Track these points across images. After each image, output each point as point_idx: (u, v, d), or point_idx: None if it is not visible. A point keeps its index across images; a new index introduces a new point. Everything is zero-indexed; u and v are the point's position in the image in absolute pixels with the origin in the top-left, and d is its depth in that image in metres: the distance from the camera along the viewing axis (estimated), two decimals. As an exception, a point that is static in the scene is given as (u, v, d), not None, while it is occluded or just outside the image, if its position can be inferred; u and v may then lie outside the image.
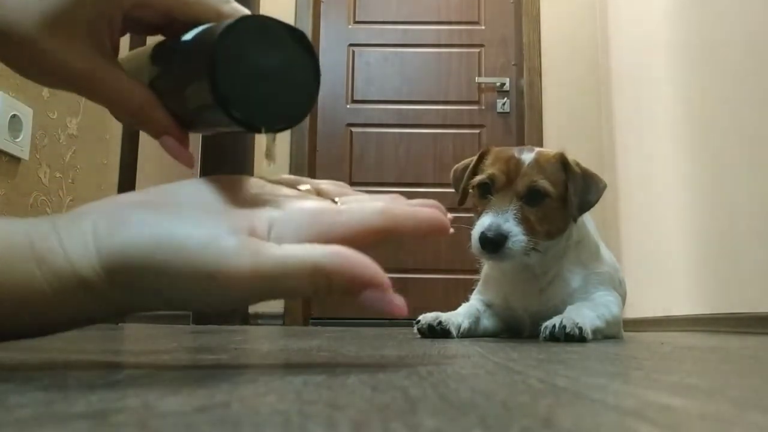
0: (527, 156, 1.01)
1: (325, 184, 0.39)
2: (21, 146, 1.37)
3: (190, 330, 1.28)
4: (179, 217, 0.30)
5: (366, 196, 0.38)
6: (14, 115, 1.34)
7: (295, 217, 0.33)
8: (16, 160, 1.37)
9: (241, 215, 0.32)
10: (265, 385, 0.26)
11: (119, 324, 1.69)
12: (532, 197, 0.98)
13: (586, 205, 1.03)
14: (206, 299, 0.30)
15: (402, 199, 0.38)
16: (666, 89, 1.99)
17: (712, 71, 1.68)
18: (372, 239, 0.33)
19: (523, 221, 0.96)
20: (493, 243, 0.94)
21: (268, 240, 0.31)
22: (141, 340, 0.76)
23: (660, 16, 2.05)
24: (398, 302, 0.31)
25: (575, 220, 1.02)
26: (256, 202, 0.33)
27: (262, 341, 0.76)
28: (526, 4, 2.69)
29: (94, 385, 0.26)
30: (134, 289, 0.30)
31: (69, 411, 0.18)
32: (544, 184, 0.98)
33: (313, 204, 0.34)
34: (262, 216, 0.32)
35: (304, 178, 0.40)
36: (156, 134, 0.38)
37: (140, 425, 0.16)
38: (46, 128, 1.48)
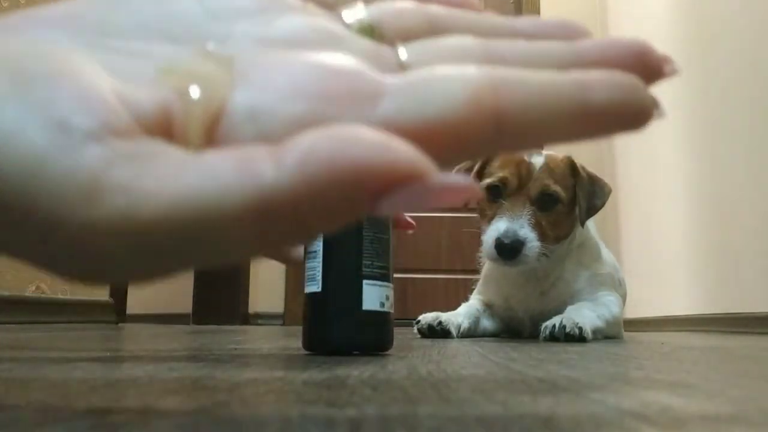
0: (538, 160, 1.00)
1: (394, 13, 0.20)
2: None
3: (190, 330, 1.28)
4: (29, 96, 0.14)
5: (454, 41, 0.18)
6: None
7: (271, 105, 0.16)
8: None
9: (153, 96, 0.16)
10: (265, 385, 0.26)
11: (119, 324, 1.69)
12: (544, 202, 0.98)
13: (593, 210, 1.03)
14: (53, 253, 0.15)
15: (568, 26, 0.20)
16: (665, 89, 1.99)
17: (712, 72, 1.68)
18: (459, 149, 0.16)
19: (536, 227, 0.96)
20: (510, 250, 0.93)
21: (208, 142, 0.16)
22: (141, 340, 0.76)
23: (660, 17, 2.05)
24: (453, 181, 0.14)
25: (583, 225, 1.02)
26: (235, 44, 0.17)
27: (262, 341, 0.76)
28: (526, 4, 2.70)
29: (94, 385, 0.26)
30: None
31: (69, 411, 0.18)
32: (556, 189, 0.98)
33: (319, 67, 0.16)
34: (200, 95, 0.16)
35: None
36: None
37: (140, 425, 0.16)
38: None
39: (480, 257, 1.19)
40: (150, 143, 0.15)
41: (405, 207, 0.14)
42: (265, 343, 0.68)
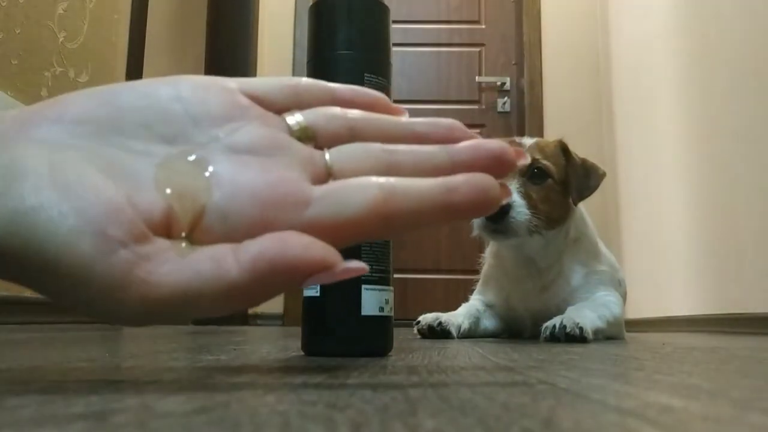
0: (527, 141, 1.04)
1: (324, 120, 0.27)
2: (21, 146, 1.37)
3: (190, 330, 1.28)
4: (65, 198, 0.21)
5: (366, 148, 0.26)
6: (14, 115, 1.34)
7: (236, 209, 0.23)
8: (16, 159, 1.37)
9: (157, 204, 0.23)
10: (264, 386, 0.26)
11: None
12: (534, 176, 0.99)
13: (585, 191, 1.03)
14: (90, 311, 0.23)
15: (453, 128, 0.27)
16: (667, 88, 1.99)
17: (713, 70, 1.68)
18: (360, 238, 0.24)
19: (526, 197, 0.97)
20: (496, 211, 0.94)
21: (191, 238, 0.23)
22: (140, 340, 0.76)
23: (660, 15, 2.05)
24: (350, 266, 0.23)
25: (575, 204, 1.03)
26: (197, 162, 0.24)
27: (261, 342, 0.76)
28: (527, 3, 2.69)
29: (94, 385, 0.26)
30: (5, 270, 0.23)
31: (68, 411, 0.18)
32: (546, 163, 1.00)
33: (269, 181, 0.24)
34: (188, 201, 0.23)
35: (318, 84, 0.28)
36: None
37: (139, 426, 0.16)
38: (46, 128, 1.47)
39: (480, 257, 1.19)
40: (156, 244, 0.22)
41: (323, 282, 0.23)
42: (265, 344, 0.68)
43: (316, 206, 0.23)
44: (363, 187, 0.24)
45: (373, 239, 0.25)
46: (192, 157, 0.24)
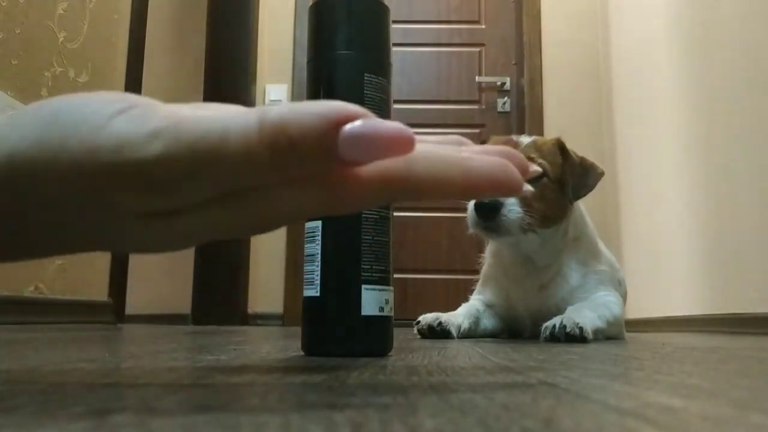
0: (525, 139, 1.04)
1: None
2: (21, 146, 1.37)
3: (189, 330, 1.28)
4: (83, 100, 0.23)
5: None
6: (14, 115, 1.34)
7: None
8: (16, 159, 1.37)
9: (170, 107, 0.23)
10: (264, 386, 0.26)
11: (118, 324, 1.69)
12: None
13: (583, 190, 1.03)
14: (115, 211, 0.22)
15: (462, 142, 0.27)
16: (667, 88, 1.99)
17: (714, 70, 1.68)
18: (385, 196, 0.23)
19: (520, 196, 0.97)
20: (489, 208, 0.94)
21: None
22: (140, 340, 0.76)
23: (661, 15, 2.05)
24: (391, 126, 0.21)
25: (572, 203, 1.03)
26: None
27: (261, 341, 0.76)
28: (527, 3, 2.70)
29: (94, 385, 0.26)
30: (23, 210, 0.23)
31: (68, 411, 0.18)
32: (541, 162, 1.00)
33: None
34: None
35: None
36: None
37: (139, 426, 0.16)
38: (45, 128, 1.47)
39: (480, 258, 1.19)
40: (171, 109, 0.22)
41: (363, 150, 0.21)
42: (265, 344, 0.68)
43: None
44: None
45: (395, 200, 0.24)
46: None
